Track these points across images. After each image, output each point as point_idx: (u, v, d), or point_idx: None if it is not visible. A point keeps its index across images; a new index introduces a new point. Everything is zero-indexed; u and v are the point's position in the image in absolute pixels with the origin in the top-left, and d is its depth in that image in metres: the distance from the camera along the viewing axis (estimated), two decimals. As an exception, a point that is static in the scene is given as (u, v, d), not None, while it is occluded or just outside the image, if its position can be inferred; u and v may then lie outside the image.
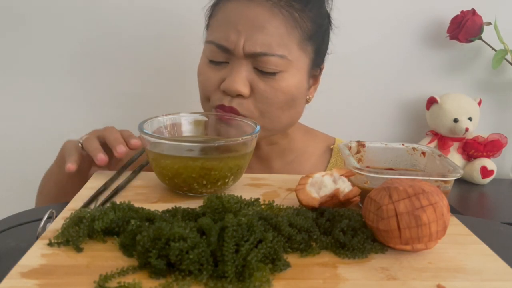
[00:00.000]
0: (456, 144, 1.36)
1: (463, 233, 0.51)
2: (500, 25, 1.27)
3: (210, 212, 0.47)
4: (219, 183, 0.56)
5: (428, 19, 1.33)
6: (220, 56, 0.75)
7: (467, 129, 1.30)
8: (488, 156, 1.35)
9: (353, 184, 0.53)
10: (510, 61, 1.30)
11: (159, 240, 0.40)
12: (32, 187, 1.27)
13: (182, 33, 1.21)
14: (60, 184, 0.78)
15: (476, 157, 1.35)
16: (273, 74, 0.73)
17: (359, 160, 0.63)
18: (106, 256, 0.42)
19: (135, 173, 0.63)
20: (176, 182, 0.56)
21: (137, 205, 0.49)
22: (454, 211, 1.12)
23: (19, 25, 1.20)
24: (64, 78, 1.24)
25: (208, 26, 0.80)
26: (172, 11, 1.21)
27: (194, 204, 0.51)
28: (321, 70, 0.83)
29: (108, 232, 0.45)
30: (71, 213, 0.47)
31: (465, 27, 1.26)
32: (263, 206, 0.51)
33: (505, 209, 1.26)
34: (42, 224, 0.47)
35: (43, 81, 1.24)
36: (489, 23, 1.28)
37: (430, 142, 1.35)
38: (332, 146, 0.92)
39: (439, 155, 0.59)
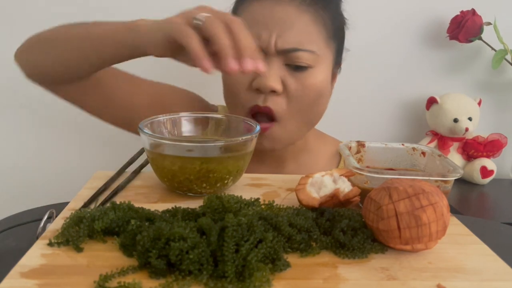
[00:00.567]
0: (456, 144, 1.36)
1: (463, 233, 0.51)
2: (500, 25, 1.27)
3: (210, 212, 0.47)
4: (218, 184, 0.56)
5: (428, 19, 1.33)
6: None
7: (467, 129, 1.30)
8: (488, 156, 1.35)
9: (353, 184, 0.53)
10: (510, 61, 1.30)
11: (159, 240, 0.40)
12: (32, 187, 1.28)
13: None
14: (102, 46, 0.68)
15: (476, 157, 1.35)
16: (304, 69, 0.76)
17: (359, 160, 0.63)
18: (106, 256, 0.42)
19: (135, 173, 0.63)
20: (176, 182, 0.56)
21: (137, 205, 0.49)
22: (454, 211, 1.12)
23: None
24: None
25: None
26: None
27: (194, 204, 0.51)
28: (340, 68, 0.87)
29: (108, 232, 0.45)
30: (71, 213, 0.47)
31: (465, 27, 1.26)
32: (263, 206, 0.51)
33: (505, 209, 1.26)
34: (42, 224, 0.47)
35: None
36: (489, 23, 1.28)
37: (430, 142, 1.35)
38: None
39: (439, 155, 0.59)
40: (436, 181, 0.52)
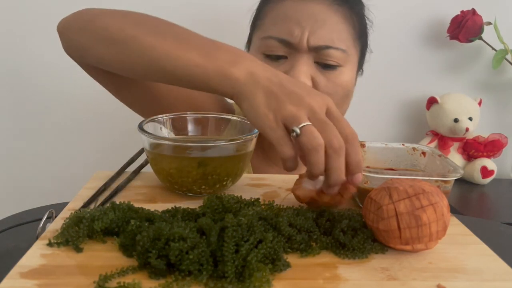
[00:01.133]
0: (456, 144, 1.36)
1: (463, 233, 0.51)
2: (500, 25, 1.27)
3: (210, 212, 0.47)
4: (217, 185, 0.56)
5: (428, 19, 1.33)
6: (280, 51, 0.77)
7: (467, 129, 1.30)
8: (488, 156, 1.35)
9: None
10: (510, 61, 1.30)
11: (159, 240, 0.40)
12: (32, 187, 1.28)
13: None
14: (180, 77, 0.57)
15: (476, 157, 1.35)
16: (334, 68, 0.77)
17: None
18: (106, 256, 0.42)
19: (135, 173, 0.63)
20: (175, 183, 0.56)
21: (137, 205, 0.49)
22: (454, 211, 1.12)
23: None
24: (67, 74, 1.24)
25: (258, 24, 0.82)
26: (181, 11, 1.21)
27: (194, 204, 0.51)
28: (362, 71, 0.88)
29: (108, 232, 0.45)
30: (71, 213, 0.47)
31: (465, 27, 1.26)
32: (263, 206, 0.51)
33: (505, 209, 1.26)
34: (41, 224, 0.47)
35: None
36: (489, 23, 1.28)
37: (430, 142, 1.35)
38: None
39: (439, 155, 0.59)
40: (436, 181, 0.52)
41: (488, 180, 1.35)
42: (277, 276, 0.40)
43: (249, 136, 0.57)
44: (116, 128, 1.28)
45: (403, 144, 0.64)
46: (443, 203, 0.44)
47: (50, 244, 0.43)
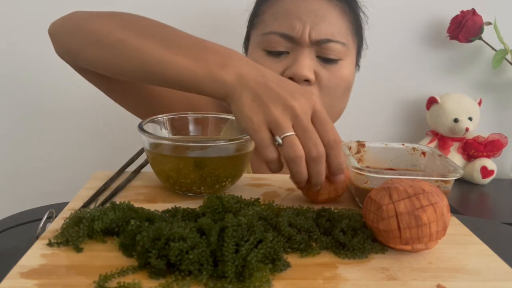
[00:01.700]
0: (456, 144, 1.36)
1: (463, 233, 0.51)
2: (500, 25, 1.27)
3: (210, 212, 0.47)
4: (217, 186, 0.56)
5: (428, 19, 1.33)
6: (282, 46, 0.78)
7: (467, 129, 1.30)
8: (488, 156, 1.35)
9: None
10: (510, 61, 1.30)
11: (159, 240, 0.40)
12: (32, 187, 1.28)
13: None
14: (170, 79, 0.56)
15: (476, 157, 1.35)
16: (335, 61, 0.78)
17: (359, 160, 0.63)
18: (106, 256, 0.42)
19: (135, 173, 0.63)
20: (175, 182, 0.56)
21: (137, 205, 0.49)
22: (454, 211, 1.12)
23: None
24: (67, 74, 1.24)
25: (256, 21, 0.83)
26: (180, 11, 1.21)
27: (194, 204, 0.51)
28: (359, 67, 0.89)
29: (108, 232, 0.45)
30: (71, 213, 0.47)
31: (465, 27, 1.26)
32: (263, 206, 0.51)
33: (505, 209, 1.26)
34: (42, 224, 0.47)
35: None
36: (489, 23, 1.28)
37: (430, 142, 1.35)
38: None
39: (439, 155, 0.59)
40: (436, 181, 0.52)
41: (488, 180, 1.35)
42: (277, 276, 0.40)
43: (249, 136, 0.56)
44: (116, 128, 1.28)
45: (403, 144, 0.64)
46: (443, 203, 0.44)
47: (50, 244, 0.43)
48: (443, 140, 1.35)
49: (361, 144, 0.64)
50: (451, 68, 1.37)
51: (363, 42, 0.88)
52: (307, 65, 0.76)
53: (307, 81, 0.77)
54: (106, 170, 0.66)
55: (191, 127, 0.65)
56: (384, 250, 0.45)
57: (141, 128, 0.57)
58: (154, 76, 0.59)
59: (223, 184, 0.57)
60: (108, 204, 0.49)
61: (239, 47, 0.88)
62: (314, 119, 0.51)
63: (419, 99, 1.37)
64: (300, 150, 0.49)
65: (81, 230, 0.44)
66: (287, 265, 0.41)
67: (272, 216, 0.46)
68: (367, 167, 0.61)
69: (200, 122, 0.65)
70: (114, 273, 0.38)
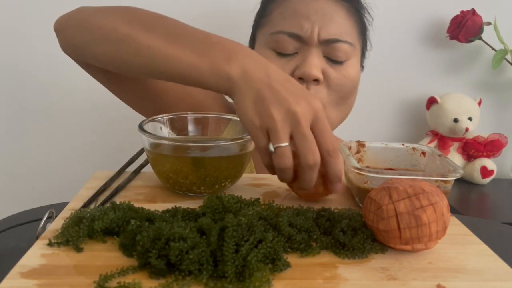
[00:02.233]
0: (456, 144, 1.36)
1: (463, 233, 0.51)
2: (500, 25, 1.27)
3: (210, 212, 0.47)
4: (216, 186, 0.56)
5: (428, 19, 1.33)
6: (291, 45, 0.79)
7: (467, 129, 1.30)
8: (488, 156, 1.35)
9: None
10: (510, 61, 1.30)
11: (159, 240, 0.40)
12: (32, 187, 1.28)
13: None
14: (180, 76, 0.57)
15: (476, 157, 1.35)
16: (343, 61, 0.79)
17: (359, 160, 0.63)
18: (106, 256, 0.42)
19: (135, 173, 0.63)
20: (175, 182, 0.56)
21: (137, 205, 0.49)
22: (454, 211, 1.12)
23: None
24: (67, 74, 1.24)
25: (263, 21, 0.84)
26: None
27: (194, 204, 0.51)
28: (363, 67, 0.90)
29: (108, 232, 0.45)
30: (71, 213, 0.47)
31: (465, 27, 1.26)
32: (263, 206, 0.51)
33: (505, 209, 1.26)
34: (42, 224, 0.47)
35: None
36: (489, 23, 1.28)
37: (430, 142, 1.35)
38: None
39: (439, 155, 0.59)
40: (436, 181, 0.52)
41: (488, 180, 1.35)
42: (277, 276, 0.40)
43: (249, 136, 0.56)
44: (116, 128, 1.28)
45: (403, 144, 0.64)
46: (443, 203, 0.44)
47: (50, 244, 0.43)
48: (443, 140, 1.35)
49: (361, 144, 0.64)
50: (451, 68, 1.37)
51: (368, 43, 0.89)
52: (316, 64, 0.77)
53: (316, 80, 0.77)
54: (106, 170, 0.66)
55: (191, 127, 0.65)
56: (384, 250, 0.45)
57: (141, 128, 0.57)
58: (159, 71, 0.59)
59: (223, 184, 0.57)
60: (108, 204, 0.49)
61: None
62: (314, 125, 0.51)
63: (419, 99, 1.37)
64: (289, 161, 0.50)
65: (81, 230, 0.44)
66: (287, 265, 0.41)
67: (272, 216, 0.46)
68: (367, 167, 0.61)
69: (200, 122, 0.65)
70: (114, 273, 0.38)
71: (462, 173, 0.53)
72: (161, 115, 0.63)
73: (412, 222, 0.43)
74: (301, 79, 0.77)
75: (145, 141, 0.56)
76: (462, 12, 1.27)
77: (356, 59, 0.83)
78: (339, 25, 0.79)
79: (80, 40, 0.66)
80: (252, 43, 0.88)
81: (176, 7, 1.21)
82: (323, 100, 0.78)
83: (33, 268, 0.39)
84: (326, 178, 0.53)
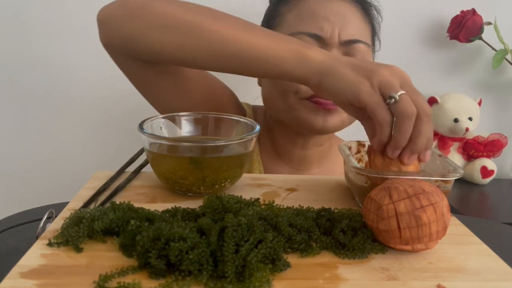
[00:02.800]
0: (456, 144, 1.36)
1: (463, 233, 0.51)
2: (500, 25, 1.27)
3: (210, 212, 0.47)
4: (216, 186, 0.56)
5: (428, 19, 1.33)
6: None
7: (467, 129, 1.30)
8: (488, 156, 1.35)
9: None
10: (510, 61, 1.30)
11: (158, 240, 0.40)
12: (32, 187, 1.28)
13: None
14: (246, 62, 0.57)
15: (476, 157, 1.35)
16: None
17: (359, 160, 0.63)
18: (106, 256, 0.42)
19: (135, 173, 0.63)
20: (175, 183, 0.56)
21: (137, 205, 0.49)
22: (454, 211, 1.12)
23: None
24: (67, 74, 1.24)
25: (275, 23, 0.84)
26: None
27: (194, 204, 0.51)
28: None
29: (108, 232, 0.45)
30: (71, 213, 0.47)
31: (465, 27, 1.26)
32: (263, 206, 0.51)
33: (505, 209, 1.26)
34: (42, 224, 0.47)
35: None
36: (489, 23, 1.28)
37: (430, 142, 1.35)
38: None
39: (439, 155, 0.59)
40: (436, 181, 0.52)
41: (488, 180, 1.35)
42: (277, 276, 0.40)
43: (249, 136, 0.56)
44: (116, 128, 1.28)
45: (403, 144, 0.63)
46: (443, 203, 0.44)
47: (50, 244, 0.43)
48: (443, 140, 1.35)
49: (361, 144, 0.64)
50: (451, 68, 1.37)
51: (378, 44, 0.90)
52: None
53: None
54: (106, 170, 0.66)
55: (191, 127, 0.65)
56: (384, 250, 0.45)
57: (141, 128, 0.57)
58: (232, 58, 0.58)
59: (223, 184, 0.56)
60: (108, 204, 0.49)
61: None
62: (406, 87, 0.52)
63: (419, 99, 1.37)
64: (414, 107, 0.50)
65: (81, 230, 0.44)
66: (287, 265, 0.41)
67: (272, 216, 0.46)
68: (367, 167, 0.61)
69: (200, 122, 0.65)
70: (114, 273, 0.38)
71: (462, 173, 0.53)
72: (161, 115, 0.63)
73: (412, 222, 0.43)
74: None
75: (145, 141, 0.56)
76: (462, 12, 1.27)
77: (371, 59, 0.84)
78: (356, 26, 0.80)
79: (134, 28, 0.63)
80: None
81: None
82: None
83: (33, 268, 0.39)
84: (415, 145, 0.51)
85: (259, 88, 0.90)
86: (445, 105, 1.31)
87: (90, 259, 0.41)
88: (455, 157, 1.36)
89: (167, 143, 0.56)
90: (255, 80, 0.91)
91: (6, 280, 0.37)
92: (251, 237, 0.41)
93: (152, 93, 0.80)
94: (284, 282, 0.39)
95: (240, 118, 0.64)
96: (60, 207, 0.52)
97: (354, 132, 1.33)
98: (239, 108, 0.91)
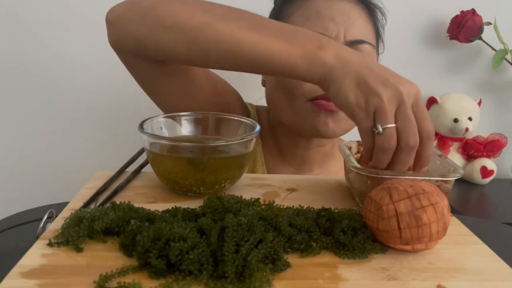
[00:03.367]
0: (456, 144, 1.36)
1: (463, 233, 0.51)
2: (500, 25, 1.27)
3: (210, 212, 0.47)
4: (216, 186, 0.56)
5: (428, 19, 1.33)
6: None
7: (467, 129, 1.30)
8: (488, 156, 1.35)
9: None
10: (510, 61, 1.30)
11: (159, 240, 0.40)
12: (32, 187, 1.28)
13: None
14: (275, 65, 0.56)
15: (476, 157, 1.35)
16: None
17: (359, 160, 0.63)
18: (106, 256, 0.42)
19: (135, 173, 0.63)
20: (175, 183, 0.56)
21: (137, 205, 0.49)
22: (454, 211, 1.12)
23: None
24: (67, 74, 1.24)
25: (283, 22, 0.82)
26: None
27: (194, 204, 0.51)
28: None
29: (108, 232, 0.45)
30: (71, 213, 0.47)
31: (465, 27, 1.26)
32: (263, 206, 0.51)
33: (505, 209, 1.26)
34: (42, 224, 0.47)
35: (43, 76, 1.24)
36: (489, 23, 1.28)
37: (430, 142, 1.35)
38: None
39: (440, 155, 0.59)
40: (437, 181, 0.52)
41: (488, 180, 1.35)
42: (277, 276, 0.40)
43: (249, 136, 0.56)
44: (116, 128, 1.28)
45: (403, 144, 0.63)
46: (443, 203, 0.44)
47: (50, 244, 0.43)
48: (443, 140, 1.35)
49: (361, 144, 0.64)
50: (451, 68, 1.37)
51: (382, 45, 0.90)
52: None
53: None
54: (106, 170, 0.66)
55: (191, 127, 0.65)
56: (384, 250, 0.45)
57: (141, 128, 0.57)
58: (244, 61, 0.57)
59: (223, 184, 0.56)
60: (108, 204, 0.49)
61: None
62: (415, 107, 0.51)
63: (419, 99, 1.37)
64: (394, 143, 0.50)
65: (81, 230, 0.44)
66: (287, 265, 0.41)
67: (272, 216, 0.46)
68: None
69: (201, 122, 0.65)
70: (114, 273, 0.38)
71: (463, 173, 0.53)
72: (161, 115, 0.63)
73: (412, 222, 0.43)
74: None
75: (145, 141, 0.56)
76: (462, 12, 1.27)
77: (375, 61, 0.84)
78: (361, 27, 0.80)
79: (143, 29, 0.62)
80: None
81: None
82: None
83: (33, 268, 0.39)
84: (416, 160, 0.53)
85: (263, 88, 0.90)
86: (445, 105, 1.31)
87: (90, 259, 0.41)
88: (455, 157, 1.36)
89: (167, 143, 0.56)
90: (259, 80, 0.91)
91: (6, 280, 0.37)
92: (251, 237, 0.41)
93: (159, 94, 0.79)
94: (284, 282, 0.39)
95: (241, 118, 0.64)
96: (60, 207, 0.52)
97: (354, 132, 1.33)
98: (244, 109, 0.91)
